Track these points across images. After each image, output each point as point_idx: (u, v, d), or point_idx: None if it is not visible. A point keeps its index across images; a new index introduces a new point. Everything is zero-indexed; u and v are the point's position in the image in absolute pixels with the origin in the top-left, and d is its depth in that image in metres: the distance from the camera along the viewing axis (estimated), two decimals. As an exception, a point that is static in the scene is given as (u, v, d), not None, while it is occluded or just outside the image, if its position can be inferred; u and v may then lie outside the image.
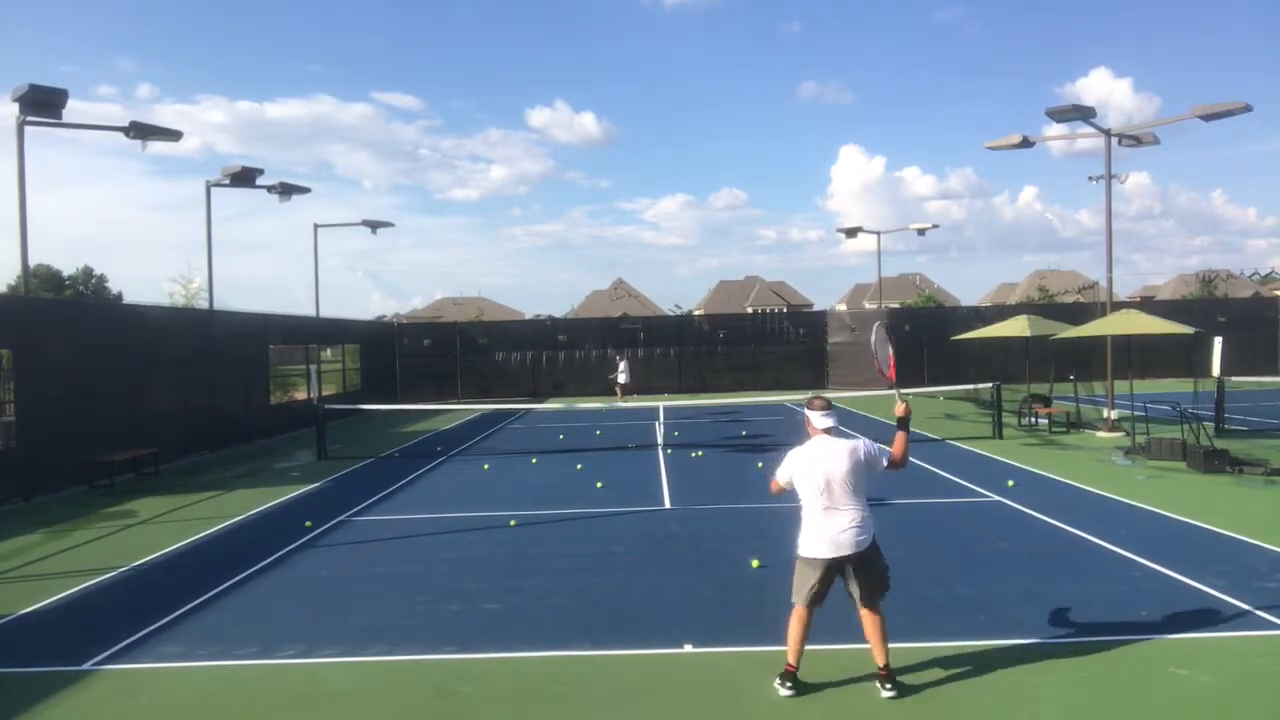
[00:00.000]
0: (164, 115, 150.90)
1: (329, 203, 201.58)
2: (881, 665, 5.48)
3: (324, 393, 22.72)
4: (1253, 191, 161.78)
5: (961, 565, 8.45)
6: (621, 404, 24.86)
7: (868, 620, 5.48)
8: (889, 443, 5.78)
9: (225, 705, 5.72)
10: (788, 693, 5.45)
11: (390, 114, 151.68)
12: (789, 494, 5.69)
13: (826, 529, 5.35)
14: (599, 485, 13.37)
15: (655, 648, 6.43)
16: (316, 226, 28.72)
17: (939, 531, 9.92)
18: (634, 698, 5.61)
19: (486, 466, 16.08)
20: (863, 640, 6.42)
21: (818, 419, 5.64)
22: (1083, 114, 17.69)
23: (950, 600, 7.36)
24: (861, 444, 5.56)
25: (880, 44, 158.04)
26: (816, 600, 5.45)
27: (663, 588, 7.92)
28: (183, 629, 7.21)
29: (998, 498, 11.63)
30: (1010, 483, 12.49)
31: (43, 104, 15.44)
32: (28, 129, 15.46)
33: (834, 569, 5.38)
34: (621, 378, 30.27)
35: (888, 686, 5.43)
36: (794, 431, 20.10)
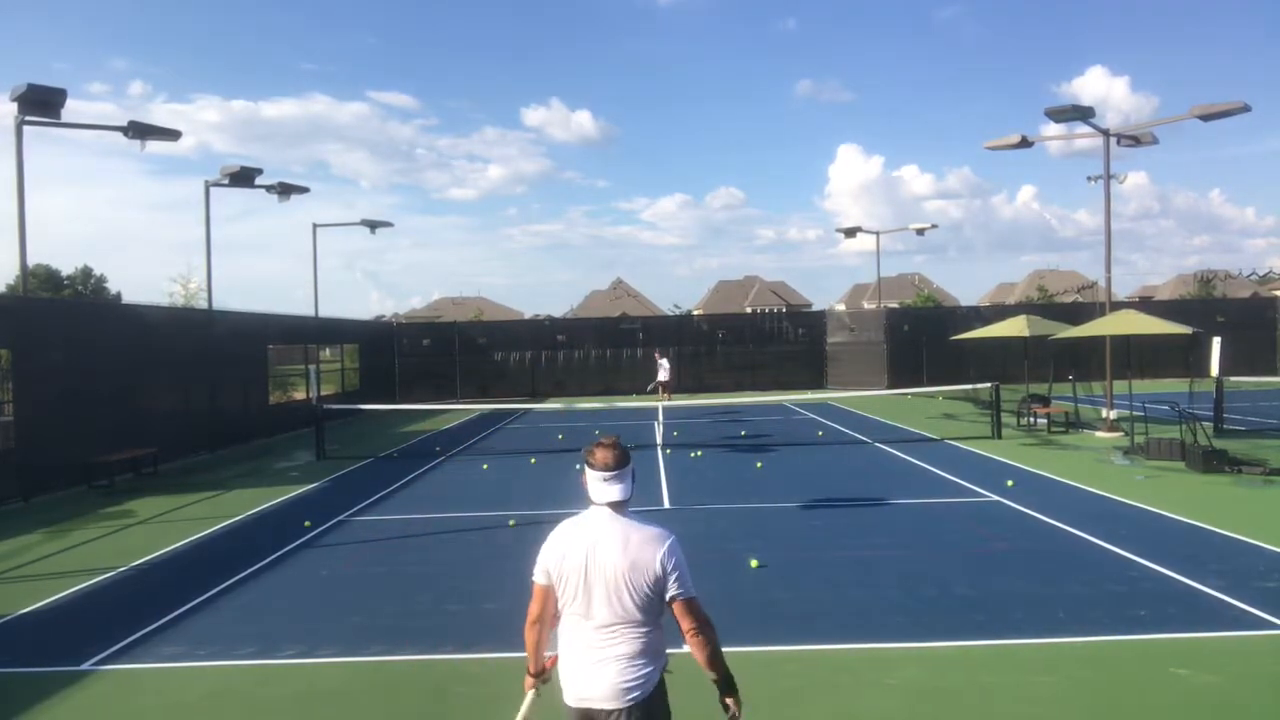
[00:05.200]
0: (158, 114, 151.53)
1: (326, 202, 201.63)
2: None
3: (323, 393, 22.72)
4: (1251, 191, 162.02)
5: (961, 565, 8.45)
6: (658, 402, 24.48)
7: None
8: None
9: (225, 705, 5.72)
10: None
11: (386, 113, 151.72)
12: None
13: (575, 658, 3.33)
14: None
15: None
16: (315, 226, 28.71)
17: (938, 531, 9.92)
18: (634, 698, 5.61)
19: (486, 466, 16.08)
20: (859, 640, 6.45)
21: (597, 485, 3.37)
22: (1081, 114, 17.70)
23: (950, 600, 7.36)
24: (664, 547, 3.28)
25: (878, 42, 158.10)
26: None
27: (662, 588, 7.91)
28: (182, 629, 7.21)
29: (997, 498, 11.63)
30: (1009, 483, 12.49)
31: (41, 103, 15.44)
32: (25, 128, 15.46)
33: None
34: (663, 376, 29.48)
35: None
36: (793, 432, 20.22)
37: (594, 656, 3.27)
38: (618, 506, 3.38)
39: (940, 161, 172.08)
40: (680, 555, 3.29)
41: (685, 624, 3.28)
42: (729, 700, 3.38)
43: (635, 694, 3.25)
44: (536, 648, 3.51)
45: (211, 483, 15.09)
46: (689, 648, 3.30)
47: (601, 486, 3.36)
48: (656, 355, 31.05)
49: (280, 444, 21.15)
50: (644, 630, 3.29)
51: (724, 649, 3.39)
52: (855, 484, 12.90)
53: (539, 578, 3.41)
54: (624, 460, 3.39)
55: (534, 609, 3.45)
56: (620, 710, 3.24)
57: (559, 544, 3.38)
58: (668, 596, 3.26)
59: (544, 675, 3.56)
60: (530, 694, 3.56)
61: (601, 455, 3.38)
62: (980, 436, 18.03)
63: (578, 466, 3.85)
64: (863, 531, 9.97)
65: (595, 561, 3.27)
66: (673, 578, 3.25)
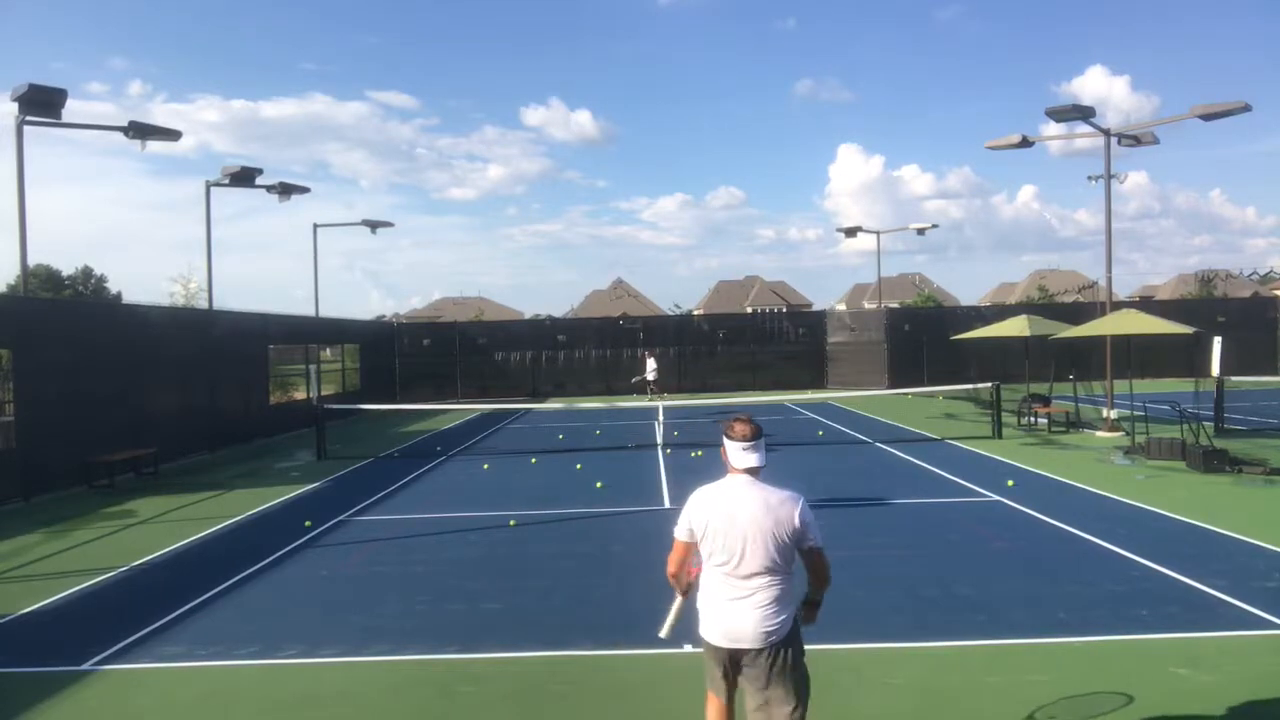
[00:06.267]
0: (158, 114, 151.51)
1: (326, 202, 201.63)
2: None
3: (323, 393, 22.72)
4: (1252, 191, 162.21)
5: (961, 565, 8.45)
6: (654, 403, 24.75)
7: None
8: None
9: (225, 705, 5.72)
10: None
11: (386, 113, 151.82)
12: None
13: (720, 604, 3.85)
14: (599, 485, 13.37)
15: (655, 648, 6.42)
16: (316, 226, 28.74)
17: (939, 531, 9.91)
18: (634, 697, 5.62)
19: (486, 466, 16.08)
20: (859, 640, 6.45)
21: (737, 453, 3.91)
22: (1082, 114, 17.70)
23: (950, 600, 7.36)
24: (799, 506, 3.86)
25: (878, 42, 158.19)
26: (729, 690, 4.01)
27: (662, 587, 7.89)
28: (183, 629, 7.21)
29: (997, 498, 11.63)
30: (1010, 482, 12.49)
31: (42, 103, 15.44)
32: (25, 128, 15.46)
33: (732, 661, 3.89)
34: (651, 375, 29.72)
35: None
36: (794, 432, 20.20)
37: (739, 603, 3.79)
38: (754, 472, 3.92)
39: (940, 161, 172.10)
40: (811, 513, 3.89)
41: (810, 569, 3.94)
42: (812, 611, 4.08)
43: (774, 637, 3.78)
44: (678, 581, 4.10)
45: (212, 483, 15.09)
46: (811, 581, 4.00)
47: (741, 455, 3.90)
48: (644, 354, 31.23)
49: (281, 444, 21.15)
50: (780, 578, 3.81)
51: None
52: (856, 484, 12.88)
53: (681, 535, 3.96)
54: (759, 433, 3.95)
55: (674, 561, 4.05)
56: (762, 650, 3.78)
57: (704, 506, 3.90)
58: (805, 546, 3.85)
59: (689, 589, 4.11)
60: (679, 600, 4.12)
61: (740, 429, 3.93)
62: (981, 436, 18.03)
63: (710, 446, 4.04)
64: (863, 531, 9.97)
65: (743, 520, 3.78)
66: (809, 531, 3.85)
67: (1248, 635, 6.34)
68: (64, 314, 16.47)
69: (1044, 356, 23.29)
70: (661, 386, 29.33)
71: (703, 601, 3.95)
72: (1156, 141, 19.56)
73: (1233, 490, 11.81)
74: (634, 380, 30.47)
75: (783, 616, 3.82)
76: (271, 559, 9.45)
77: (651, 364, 29.82)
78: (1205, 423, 14.71)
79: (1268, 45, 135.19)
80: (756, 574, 3.78)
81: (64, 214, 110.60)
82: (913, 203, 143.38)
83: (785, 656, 3.81)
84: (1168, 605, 7.02)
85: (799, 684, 3.86)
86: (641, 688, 5.76)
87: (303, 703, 5.72)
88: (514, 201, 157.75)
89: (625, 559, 9.10)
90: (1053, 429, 18.71)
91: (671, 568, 4.08)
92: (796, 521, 3.80)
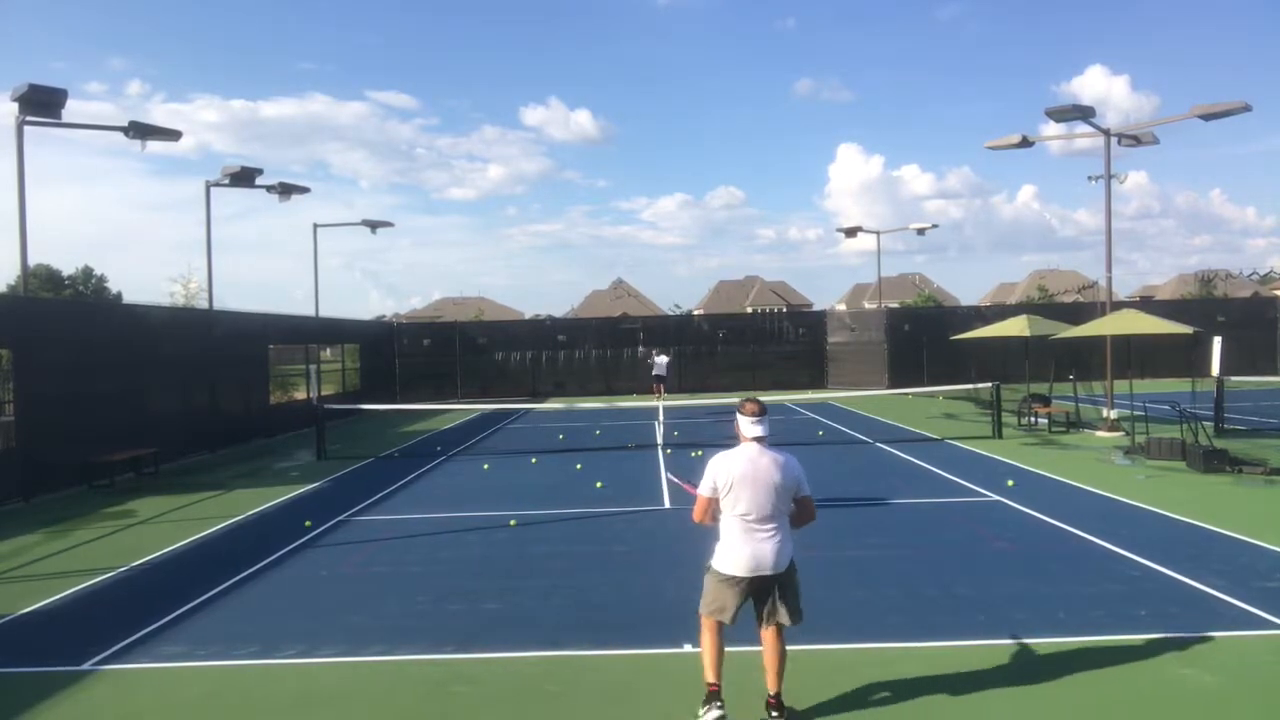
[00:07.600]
0: (157, 114, 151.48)
1: (326, 202, 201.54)
2: (772, 693, 5.11)
3: (323, 393, 22.72)
4: (1252, 191, 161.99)
5: (961, 565, 8.45)
6: (661, 402, 24.69)
7: (768, 641, 5.09)
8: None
9: (225, 705, 5.72)
10: (718, 713, 5.04)
11: (386, 113, 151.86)
12: None
13: (746, 546, 4.95)
14: (599, 485, 13.37)
15: (655, 648, 6.44)
16: (316, 226, 28.72)
17: (939, 531, 9.92)
18: (633, 698, 5.61)
19: (486, 466, 16.08)
20: (859, 640, 6.46)
21: (748, 426, 5.08)
22: (1082, 114, 17.70)
23: (950, 600, 7.36)
24: (797, 466, 5.10)
25: (878, 41, 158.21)
26: (734, 613, 5.05)
27: (662, 588, 7.91)
28: (183, 629, 7.21)
29: (997, 497, 11.63)
30: (1010, 482, 12.49)
31: (42, 104, 15.44)
32: (26, 128, 15.46)
33: (749, 588, 5.01)
34: (663, 373, 29.39)
35: (774, 715, 5.09)
36: (793, 431, 20.19)
37: (759, 541, 4.95)
38: (761, 441, 5.07)
39: (940, 161, 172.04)
40: (802, 469, 5.14)
41: (802, 511, 5.16)
42: None
43: (785, 564, 5.03)
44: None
45: (212, 483, 15.09)
46: (797, 523, 5.17)
47: (751, 427, 5.09)
48: (654, 352, 30.93)
49: (281, 444, 21.15)
50: (784, 520, 5.05)
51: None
52: (856, 484, 12.89)
53: (706, 492, 5.06)
54: (765, 410, 5.17)
55: (699, 512, 5.15)
56: (779, 574, 5.00)
57: (726, 468, 5.00)
58: (801, 495, 5.10)
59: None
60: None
61: (750, 407, 5.15)
62: (981, 436, 18.03)
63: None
64: (863, 531, 9.97)
65: (760, 477, 4.95)
66: (803, 483, 5.12)
67: (1248, 635, 6.34)
68: (64, 314, 16.47)
69: (1044, 356, 23.29)
70: (667, 386, 29.25)
71: (725, 544, 5.03)
72: (1156, 141, 19.56)
73: (1233, 490, 11.81)
74: (659, 379, 29.62)
75: (788, 546, 5.04)
76: (271, 559, 9.45)
77: (662, 361, 29.47)
78: (1205, 423, 14.71)
79: (1268, 45, 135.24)
80: (772, 518, 4.95)
81: (64, 214, 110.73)
82: (913, 203, 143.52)
83: (790, 575, 5.06)
84: (1168, 605, 7.02)
85: (798, 593, 5.13)
86: (639, 688, 5.76)
87: (302, 702, 5.72)
88: (514, 201, 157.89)
89: (625, 559, 9.10)
90: (1053, 429, 18.71)
91: (697, 517, 5.17)
92: (796, 475, 5.05)
